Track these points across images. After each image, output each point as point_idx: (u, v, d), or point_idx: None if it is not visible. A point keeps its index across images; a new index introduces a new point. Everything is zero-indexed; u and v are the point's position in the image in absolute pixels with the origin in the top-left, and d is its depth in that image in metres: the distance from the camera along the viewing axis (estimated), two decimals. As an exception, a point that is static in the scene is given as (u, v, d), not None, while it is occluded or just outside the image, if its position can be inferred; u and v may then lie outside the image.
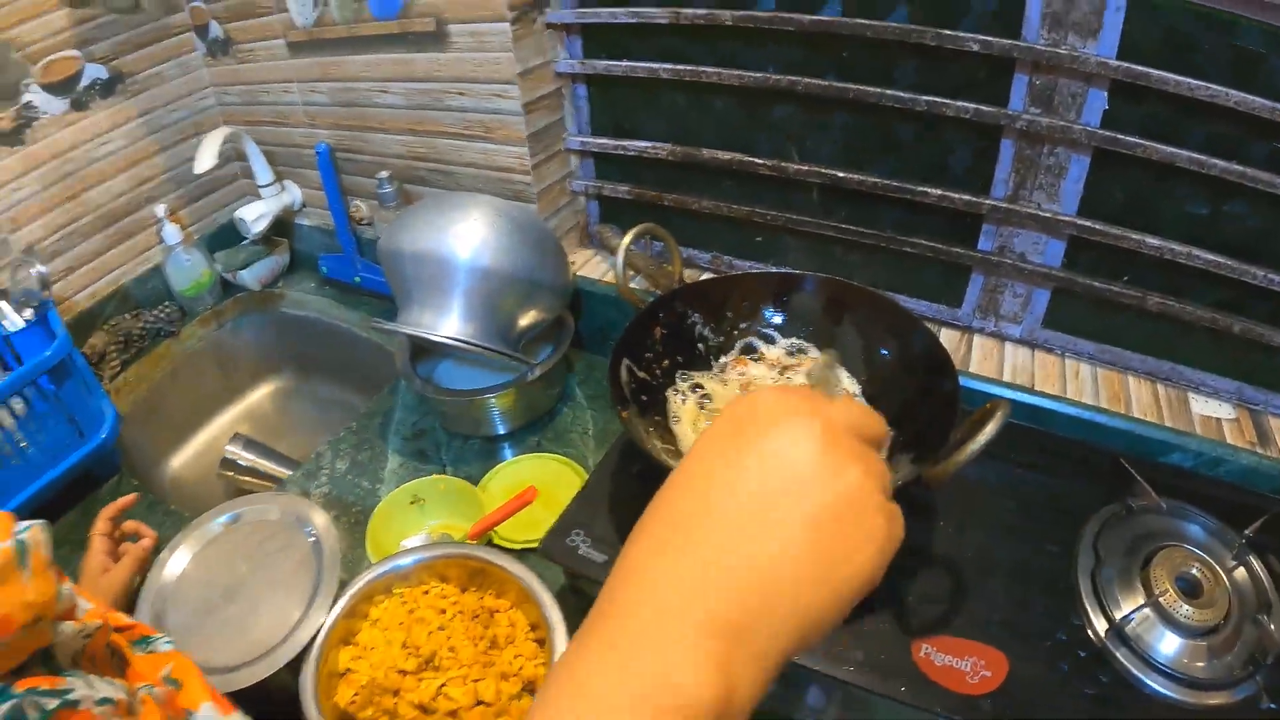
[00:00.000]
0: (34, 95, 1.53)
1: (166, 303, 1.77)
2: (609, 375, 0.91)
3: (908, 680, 0.72)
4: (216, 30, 1.66)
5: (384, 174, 1.44)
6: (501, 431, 1.24)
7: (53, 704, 0.49)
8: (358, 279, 1.68)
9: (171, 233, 1.68)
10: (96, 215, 1.68)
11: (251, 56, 1.62)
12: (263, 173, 1.70)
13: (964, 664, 0.74)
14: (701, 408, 0.99)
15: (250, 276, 1.78)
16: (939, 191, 1.03)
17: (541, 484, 1.08)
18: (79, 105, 1.60)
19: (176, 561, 1.01)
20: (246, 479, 1.51)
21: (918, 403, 0.88)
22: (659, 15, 1.11)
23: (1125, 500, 0.87)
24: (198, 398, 1.78)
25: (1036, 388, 1.03)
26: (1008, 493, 0.91)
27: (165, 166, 1.78)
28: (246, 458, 1.54)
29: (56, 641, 0.54)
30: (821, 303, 1.00)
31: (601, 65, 1.21)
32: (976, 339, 1.14)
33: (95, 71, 1.62)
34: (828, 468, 0.36)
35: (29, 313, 1.38)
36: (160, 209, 1.70)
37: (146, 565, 0.98)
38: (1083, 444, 0.97)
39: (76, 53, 1.58)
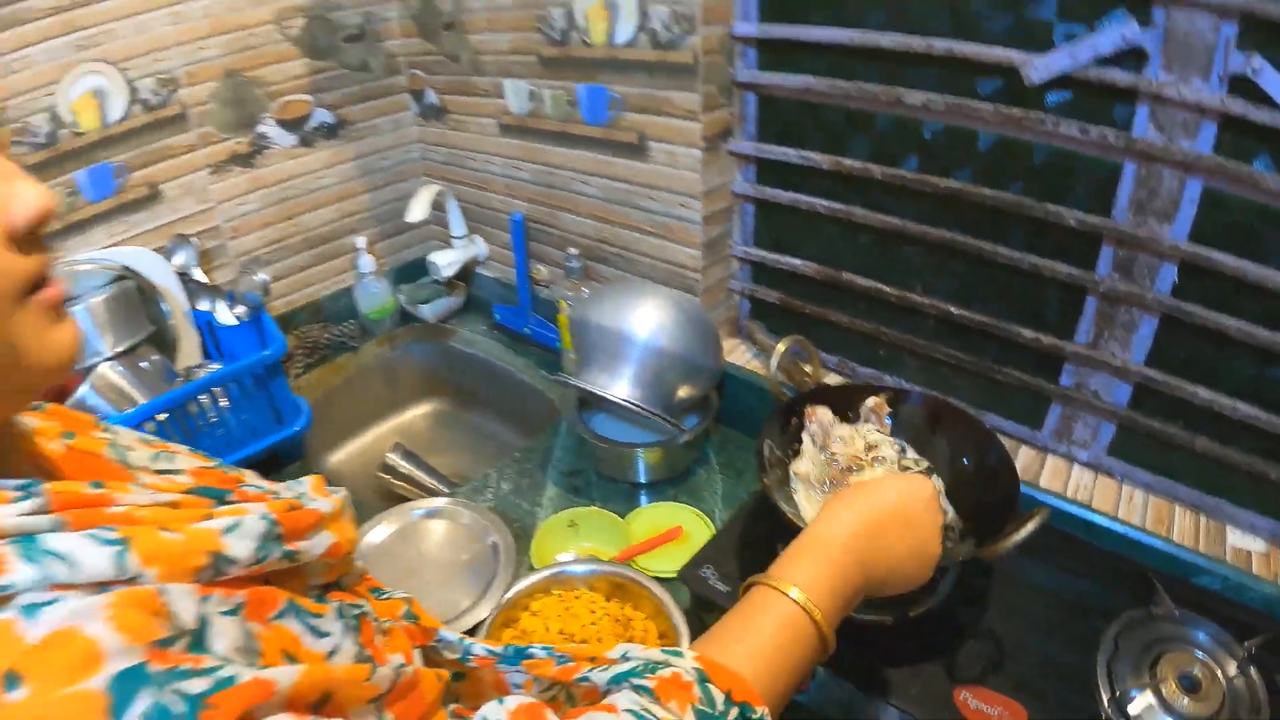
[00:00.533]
0: (269, 128, 1.98)
1: (351, 320, 2.21)
2: (756, 451, 1.22)
3: (949, 716, 1.02)
4: (432, 98, 2.09)
5: (573, 251, 1.83)
6: (643, 480, 1.59)
7: (354, 613, 0.71)
8: (528, 330, 2.07)
9: (366, 262, 2.11)
10: (305, 237, 2.13)
11: (462, 126, 2.04)
12: (457, 226, 2.12)
13: (993, 711, 1.02)
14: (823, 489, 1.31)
15: (429, 311, 2.20)
16: (1032, 333, 1.34)
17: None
18: (305, 142, 2.05)
19: (376, 534, 1.38)
20: (401, 484, 1.88)
21: (985, 501, 1.18)
22: (822, 161, 1.46)
23: (1149, 607, 1.13)
24: (364, 406, 2.20)
25: (1094, 505, 1.31)
26: (1051, 588, 1.19)
27: (369, 204, 2.23)
28: (405, 466, 1.91)
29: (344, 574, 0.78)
30: (924, 414, 1.30)
31: (770, 192, 1.57)
32: (1050, 458, 1.43)
33: (323, 115, 2.06)
34: (928, 521, 0.83)
35: (241, 311, 1.79)
36: (360, 240, 2.13)
37: None
38: (1122, 556, 1.25)
39: (309, 97, 2.02)
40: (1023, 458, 1.40)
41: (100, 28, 1.64)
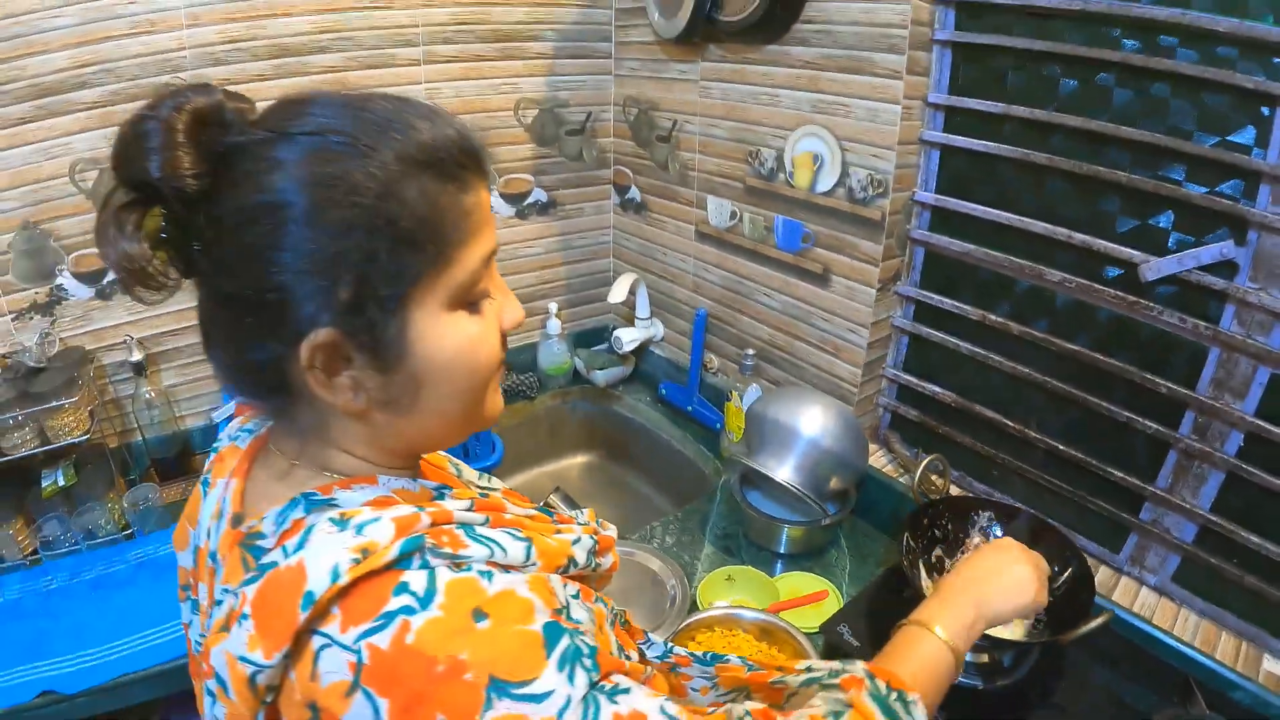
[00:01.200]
0: (493, 199, 2.51)
1: (531, 373, 2.78)
2: (902, 541, 1.68)
3: None
4: (635, 195, 2.66)
5: (750, 351, 2.36)
6: (783, 551, 2.06)
7: (615, 609, 1.06)
8: (691, 408, 2.59)
9: (554, 325, 2.68)
10: None
11: (660, 225, 2.61)
12: (643, 308, 2.67)
13: None
14: (937, 570, 1.78)
15: (601, 376, 2.74)
16: (1121, 473, 1.79)
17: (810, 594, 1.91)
18: (521, 215, 2.66)
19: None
20: (558, 524, 2.37)
21: (1066, 602, 1.58)
22: (971, 312, 1.96)
23: (1186, 706, 1.46)
24: (530, 450, 2.78)
25: (1154, 621, 1.72)
26: (1110, 682, 1.56)
27: (564, 276, 2.83)
28: (563, 508, 2.39)
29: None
30: (1028, 528, 1.73)
31: (924, 330, 2.08)
32: (1123, 579, 1.85)
33: (539, 194, 2.67)
34: (1017, 562, 1.20)
35: None
36: (552, 305, 2.71)
37: None
38: (1170, 665, 1.57)
39: (531, 177, 2.64)
40: (1101, 575, 1.81)
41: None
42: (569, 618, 0.78)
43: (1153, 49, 1.55)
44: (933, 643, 1.04)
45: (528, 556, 0.82)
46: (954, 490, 2.07)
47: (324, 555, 0.71)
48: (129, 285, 0.76)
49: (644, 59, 2.56)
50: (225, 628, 0.74)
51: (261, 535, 0.78)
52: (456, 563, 0.75)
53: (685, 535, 2.14)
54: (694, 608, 1.78)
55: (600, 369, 2.82)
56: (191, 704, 2.00)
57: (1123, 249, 1.66)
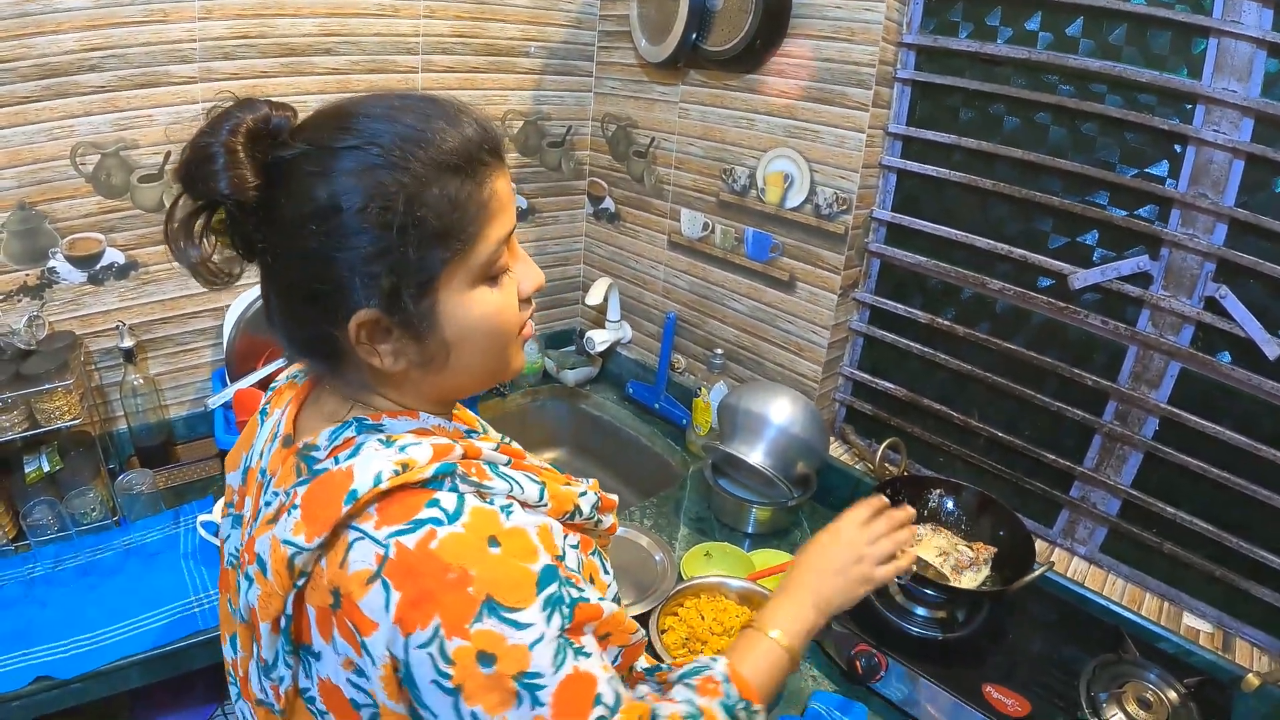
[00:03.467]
0: None
1: None
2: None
3: (976, 701, 1.58)
4: (609, 205, 2.99)
5: (719, 351, 2.70)
6: (751, 531, 2.36)
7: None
8: (658, 406, 2.93)
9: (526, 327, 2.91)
10: None
11: (632, 234, 2.96)
12: (614, 311, 3.00)
13: (1008, 701, 1.58)
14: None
15: (570, 376, 3.06)
16: (1052, 456, 2.11)
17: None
18: None
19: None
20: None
21: (1012, 558, 1.82)
22: (920, 316, 2.32)
23: (1119, 653, 1.71)
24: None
25: (1086, 585, 1.95)
26: (1053, 633, 1.82)
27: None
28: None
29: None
30: (976, 502, 2.04)
31: (878, 332, 2.44)
32: (1057, 550, 2.11)
33: (520, 201, 2.92)
34: (845, 554, 1.35)
35: None
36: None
37: None
38: (1103, 621, 1.87)
39: (512, 186, 2.86)
40: (1037, 548, 1.87)
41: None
42: (565, 565, 0.94)
43: (1084, 94, 1.91)
44: (775, 649, 1.20)
45: (541, 497, 1.01)
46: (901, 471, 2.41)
47: (371, 464, 0.87)
48: (202, 282, 0.94)
49: (625, 79, 2.89)
50: (273, 520, 0.91)
51: (315, 448, 0.95)
52: (481, 493, 0.93)
53: (661, 519, 2.36)
54: (680, 579, 2.02)
55: (570, 369, 3.14)
56: (173, 695, 2.19)
57: (1054, 262, 1.99)
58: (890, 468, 2.35)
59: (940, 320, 2.27)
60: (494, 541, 0.86)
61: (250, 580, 0.92)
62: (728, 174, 2.57)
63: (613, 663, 1.01)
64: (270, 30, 2.29)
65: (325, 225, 0.86)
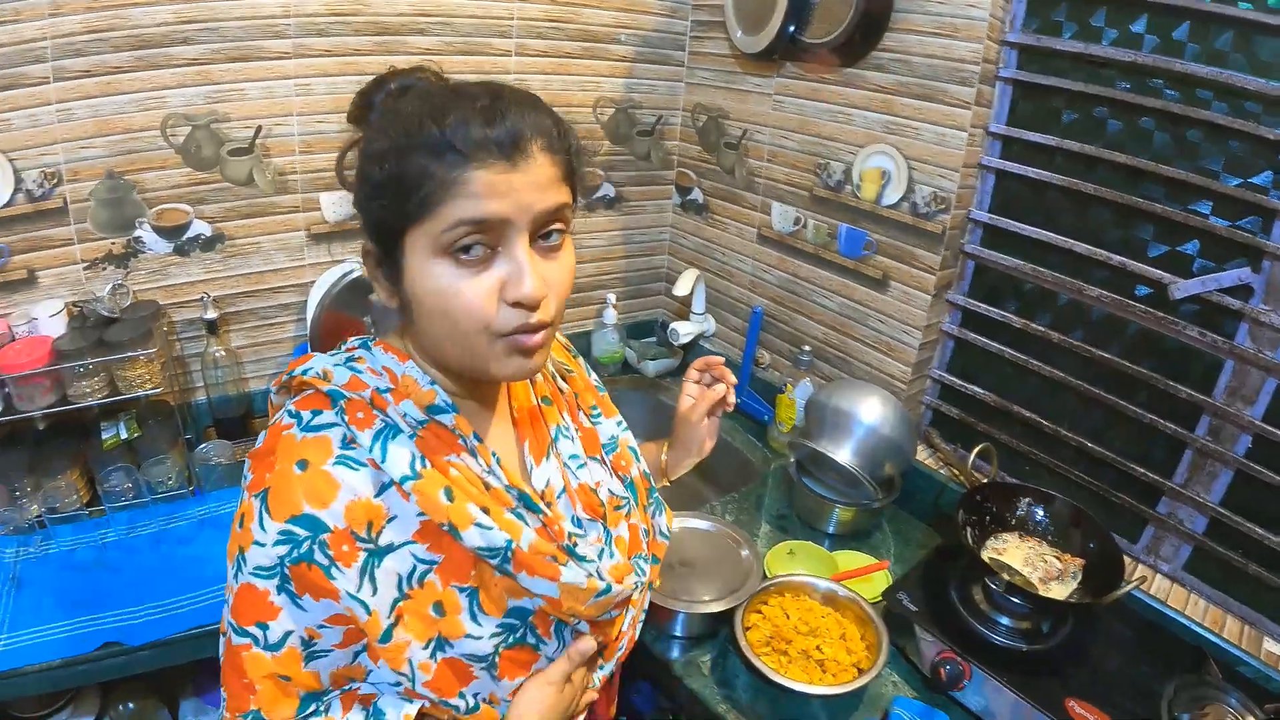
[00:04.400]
0: None
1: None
2: (957, 515, 1.96)
3: (1058, 715, 1.61)
4: (698, 196, 3.08)
5: (806, 348, 2.79)
6: (831, 531, 2.45)
7: None
8: (740, 401, 2.99)
9: (610, 315, 3.08)
10: None
11: (721, 226, 3.05)
12: (699, 304, 3.10)
13: (1090, 717, 1.60)
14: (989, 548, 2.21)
15: (651, 367, 3.17)
16: (1142, 470, 2.19)
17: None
18: (589, 207, 3.05)
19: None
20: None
21: (1101, 570, 1.87)
22: (1014, 321, 2.38)
23: (1201, 674, 1.71)
24: None
25: (1168, 603, 1.99)
26: (1135, 648, 1.84)
27: (622, 268, 3.25)
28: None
29: None
30: (1068, 513, 2.09)
31: (970, 335, 2.50)
32: (1140, 566, 2.15)
33: (607, 189, 3.06)
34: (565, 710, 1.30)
35: None
36: (611, 296, 3.10)
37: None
38: (1184, 641, 1.88)
39: (601, 172, 3.02)
40: None
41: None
42: (350, 546, 1.09)
43: (1190, 99, 1.96)
44: None
45: (402, 482, 1.09)
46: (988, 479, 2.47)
47: (317, 362, 1.16)
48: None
49: (717, 70, 2.99)
50: None
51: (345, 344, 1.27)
52: (349, 437, 1.09)
53: (744, 515, 2.46)
54: (764, 576, 2.06)
55: (651, 360, 3.25)
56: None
57: (1153, 270, 2.02)
58: (978, 475, 2.42)
59: (1034, 326, 2.32)
60: (302, 465, 1.06)
61: None
62: (822, 169, 2.65)
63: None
64: (364, 8, 2.40)
65: (359, 165, 1.10)
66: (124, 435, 2.26)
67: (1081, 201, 2.17)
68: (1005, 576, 1.81)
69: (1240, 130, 1.87)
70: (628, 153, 3.11)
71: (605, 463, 1.44)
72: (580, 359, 1.59)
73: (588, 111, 2.97)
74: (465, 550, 1.12)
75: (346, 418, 1.09)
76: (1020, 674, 1.73)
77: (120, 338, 2.12)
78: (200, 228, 2.42)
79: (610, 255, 3.27)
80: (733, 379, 1.76)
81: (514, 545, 1.11)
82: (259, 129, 2.39)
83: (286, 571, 1.05)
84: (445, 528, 1.09)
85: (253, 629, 1.08)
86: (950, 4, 2.21)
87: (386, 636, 1.10)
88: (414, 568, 1.12)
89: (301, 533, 1.04)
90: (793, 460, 2.51)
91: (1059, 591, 1.88)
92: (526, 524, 1.16)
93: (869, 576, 2.17)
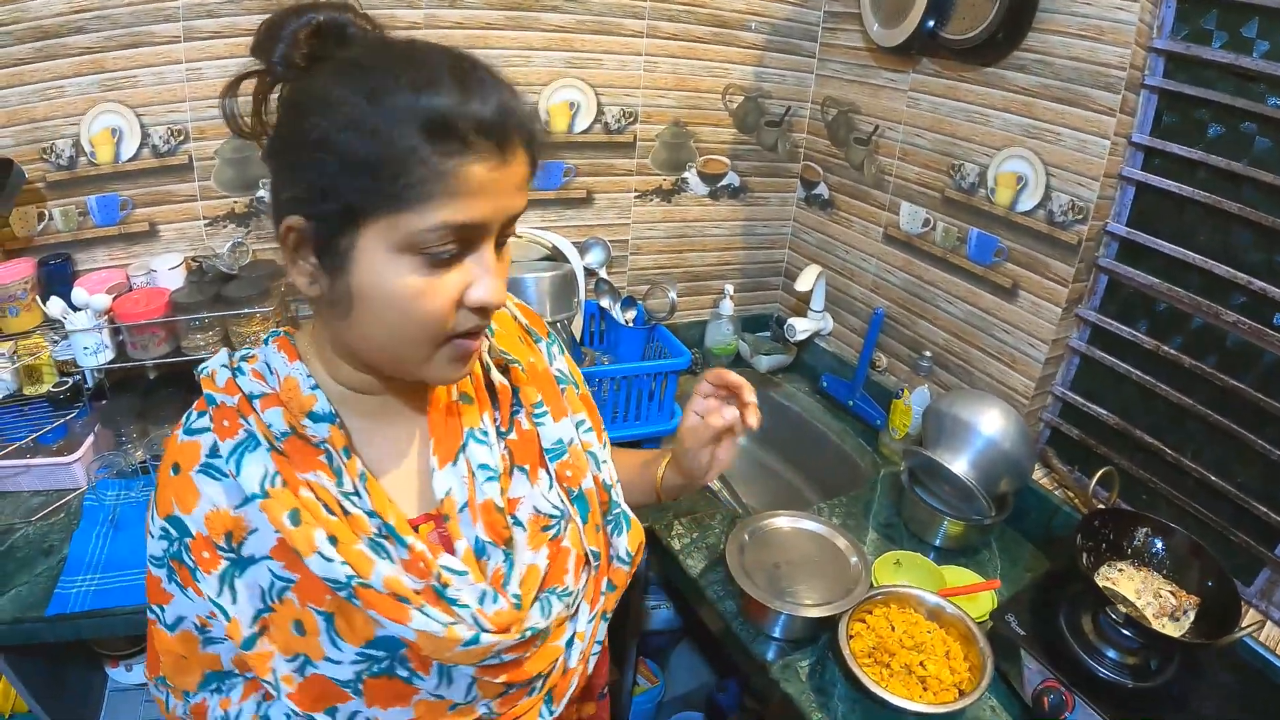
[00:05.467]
0: (690, 175, 3.06)
1: (697, 350, 3.21)
2: (1076, 539, 2.00)
3: None
4: (823, 191, 3.14)
5: (927, 354, 2.83)
6: (938, 544, 2.49)
7: None
8: (852, 403, 3.08)
9: (726, 306, 3.16)
10: (686, 270, 3.23)
11: (845, 223, 3.11)
12: (818, 301, 3.15)
13: None
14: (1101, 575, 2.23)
15: (764, 362, 3.24)
16: (1265, 509, 2.18)
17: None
18: (713, 195, 3.14)
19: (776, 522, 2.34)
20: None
21: (1216, 614, 1.83)
22: (1146, 342, 2.39)
23: None
24: None
25: (1277, 653, 1.92)
26: (1245, 698, 1.83)
27: (741, 260, 3.36)
28: (715, 483, 2.84)
29: None
30: (1186, 547, 2.07)
31: (1097, 353, 2.52)
32: (1251, 610, 2.08)
33: (732, 178, 3.14)
34: None
35: (631, 314, 2.77)
36: (729, 287, 3.17)
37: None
38: None
39: (727, 160, 3.10)
40: None
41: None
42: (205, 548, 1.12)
43: (1343, 121, 1.96)
44: None
45: (245, 501, 1.09)
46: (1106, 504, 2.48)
47: (216, 360, 1.17)
48: (242, 136, 1.11)
49: (850, 63, 3.03)
50: None
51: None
52: (214, 446, 1.10)
53: (850, 520, 2.50)
54: (871, 585, 2.08)
55: (764, 354, 3.32)
56: None
57: None
58: (1097, 501, 2.43)
59: (1165, 348, 2.31)
60: (175, 469, 1.11)
61: None
62: (956, 170, 2.67)
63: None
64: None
65: (296, 117, 0.98)
66: (236, 391, 2.37)
67: (1224, 221, 2.14)
68: (1122, 608, 1.80)
69: (1394, 155, 1.85)
70: (754, 143, 3.16)
71: (548, 471, 1.33)
72: (553, 343, 1.51)
73: (716, 98, 3.05)
74: (312, 574, 1.07)
75: (213, 425, 1.11)
76: (1123, 710, 1.73)
77: (237, 294, 2.24)
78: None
79: (730, 245, 3.34)
80: (751, 398, 1.50)
81: (355, 581, 1.05)
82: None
83: (170, 565, 1.12)
84: (294, 549, 1.05)
85: (155, 608, 1.16)
86: (1097, 5, 2.23)
87: (249, 644, 1.10)
88: (272, 583, 1.09)
89: (173, 532, 1.10)
90: (905, 468, 2.55)
91: (1172, 629, 1.87)
92: (384, 556, 1.09)
93: (975, 595, 2.17)
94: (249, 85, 1.08)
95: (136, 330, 2.21)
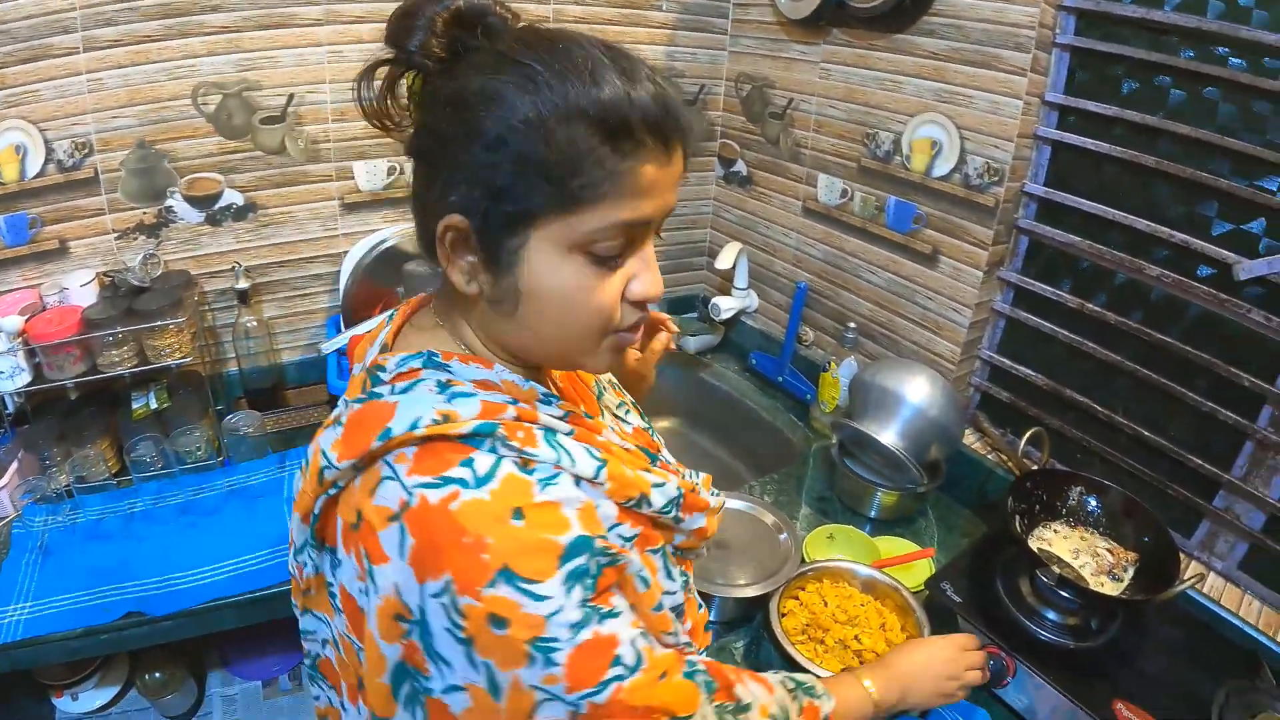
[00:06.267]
0: None
1: None
2: (1007, 503, 1.95)
3: (1105, 718, 1.57)
4: (741, 168, 3.07)
5: (852, 325, 2.77)
6: (874, 516, 2.44)
7: (686, 579, 1.26)
8: (781, 379, 3.02)
9: None
10: None
11: (765, 199, 3.04)
12: (741, 278, 3.09)
13: (1135, 719, 1.56)
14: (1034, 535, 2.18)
15: (691, 343, 3.17)
16: (1198, 460, 2.15)
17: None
18: None
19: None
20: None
21: (1156, 569, 1.81)
22: (1069, 300, 2.35)
23: (1254, 679, 1.67)
24: None
25: (1222, 603, 1.93)
26: (1186, 650, 1.80)
27: (664, 243, 3.23)
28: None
29: None
30: (1120, 504, 2.04)
31: (1021, 314, 2.47)
32: (1193, 563, 2.10)
33: None
34: (952, 686, 1.61)
35: None
36: None
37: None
38: (1237, 644, 1.83)
39: (673, 187, 2.96)
40: None
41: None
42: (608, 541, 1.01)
43: (1258, 69, 1.92)
44: (867, 704, 1.43)
45: (596, 475, 1.01)
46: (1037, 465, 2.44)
47: (414, 407, 0.94)
48: (371, 121, 1.04)
49: (762, 37, 2.96)
50: (329, 424, 1.05)
51: (383, 369, 1.04)
52: (525, 459, 0.95)
53: (783, 496, 2.47)
54: (802, 561, 2.06)
55: (691, 335, 3.25)
56: (258, 635, 2.33)
57: (1217, 249, 1.95)
58: (1028, 461, 2.39)
59: (1090, 306, 2.26)
60: (519, 514, 0.91)
61: (301, 469, 1.07)
62: (870, 138, 2.63)
63: None
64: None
65: (460, 115, 0.93)
66: (154, 405, 2.32)
67: (1142, 176, 2.11)
68: (1056, 569, 1.78)
69: (1311, 101, 1.82)
70: (673, 126, 3.05)
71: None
72: None
73: (693, 122, 2.91)
74: (645, 516, 1.10)
75: (514, 444, 0.96)
76: (1067, 672, 1.70)
77: (150, 307, 2.17)
78: (232, 197, 2.48)
79: (652, 229, 3.23)
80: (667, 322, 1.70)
81: (682, 492, 1.13)
82: (291, 97, 2.45)
83: (593, 603, 0.95)
84: (632, 502, 1.07)
85: (612, 669, 0.95)
86: (1005, -35, 2.19)
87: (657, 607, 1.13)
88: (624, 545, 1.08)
89: (578, 561, 0.93)
90: (835, 441, 2.50)
91: (1111, 587, 1.86)
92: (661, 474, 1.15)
93: (911, 565, 2.14)
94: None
95: (51, 350, 2.13)
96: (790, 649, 1.75)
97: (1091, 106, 2.21)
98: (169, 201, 2.37)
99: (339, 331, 2.52)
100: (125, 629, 1.83)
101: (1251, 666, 1.78)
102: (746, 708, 1.16)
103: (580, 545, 0.93)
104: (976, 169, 2.34)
